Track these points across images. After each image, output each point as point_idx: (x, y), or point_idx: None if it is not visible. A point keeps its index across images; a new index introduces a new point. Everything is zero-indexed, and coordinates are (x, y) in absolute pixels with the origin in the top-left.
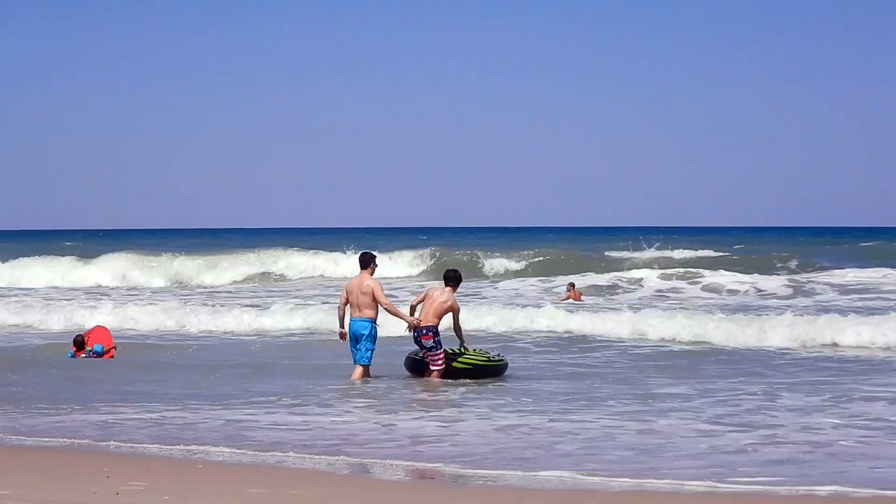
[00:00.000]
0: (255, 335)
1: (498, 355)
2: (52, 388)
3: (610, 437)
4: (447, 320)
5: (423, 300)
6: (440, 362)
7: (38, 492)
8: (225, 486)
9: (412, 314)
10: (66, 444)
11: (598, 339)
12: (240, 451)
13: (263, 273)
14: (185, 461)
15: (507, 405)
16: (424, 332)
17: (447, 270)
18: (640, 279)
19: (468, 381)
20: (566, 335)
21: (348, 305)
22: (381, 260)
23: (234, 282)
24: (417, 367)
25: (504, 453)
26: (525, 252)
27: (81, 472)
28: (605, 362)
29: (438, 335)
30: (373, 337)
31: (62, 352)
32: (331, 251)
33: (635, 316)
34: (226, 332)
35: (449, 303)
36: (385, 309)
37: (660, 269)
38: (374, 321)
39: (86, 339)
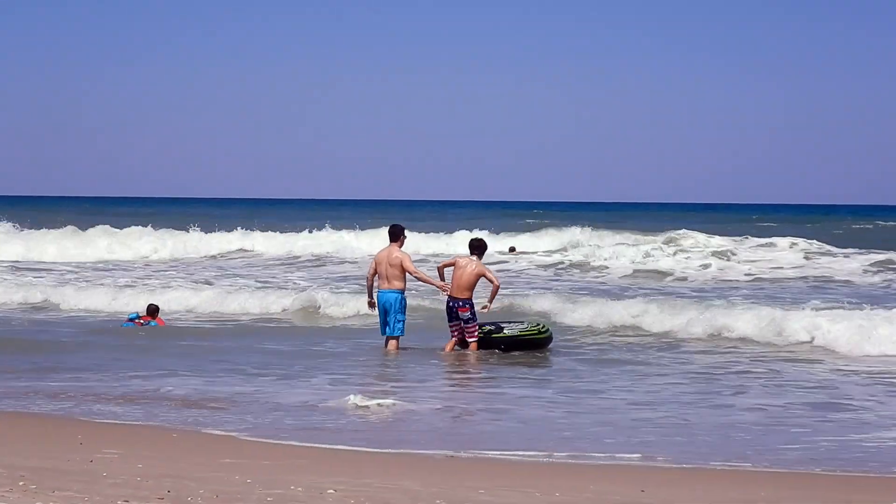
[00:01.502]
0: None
1: (543, 327)
2: (42, 357)
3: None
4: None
5: (451, 264)
6: (477, 334)
7: (11, 458)
8: (198, 455)
9: (441, 277)
10: (40, 411)
11: None
12: (212, 422)
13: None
14: (160, 430)
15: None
16: (461, 304)
17: (472, 239)
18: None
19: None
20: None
21: (377, 277)
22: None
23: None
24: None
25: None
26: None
27: (55, 439)
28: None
29: (473, 307)
30: (403, 307)
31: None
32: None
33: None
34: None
35: (478, 270)
36: (416, 277)
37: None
38: (403, 292)
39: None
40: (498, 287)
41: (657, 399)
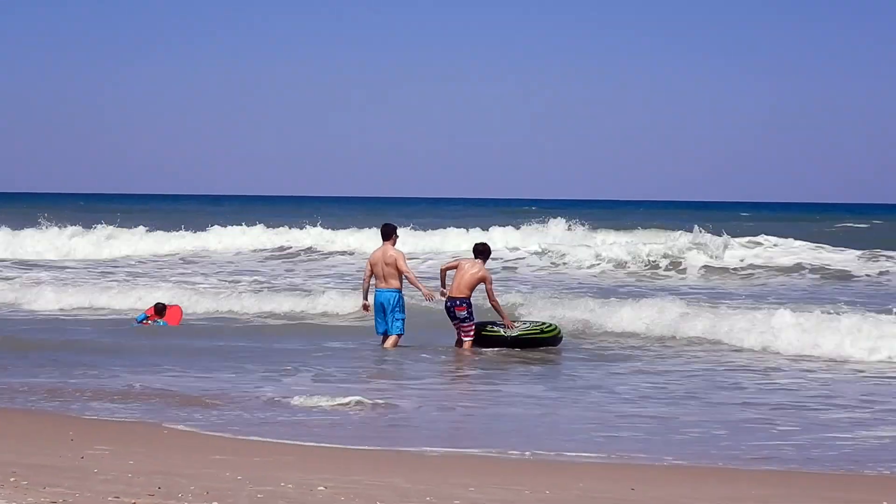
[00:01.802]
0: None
1: (548, 326)
2: (34, 354)
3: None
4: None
5: (454, 267)
6: (472, 333)
7: (3, 454)
8: (189, 451)
9: (443, 278)
10: (32, 408)
11: None
12: (203, 418)
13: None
14: (151, 427)
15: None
16: (458, 303)
17: (476, 244)
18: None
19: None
20: None
21: (373, 277)
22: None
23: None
24: None
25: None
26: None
27: (46, 435)
28: None
29: (471, 307)
30: (402, 306)
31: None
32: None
33: None
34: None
35: (480, 273)
36: (406, 278)
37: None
38: (401, 290)
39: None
40: (494, 302)
41: (646, 397)
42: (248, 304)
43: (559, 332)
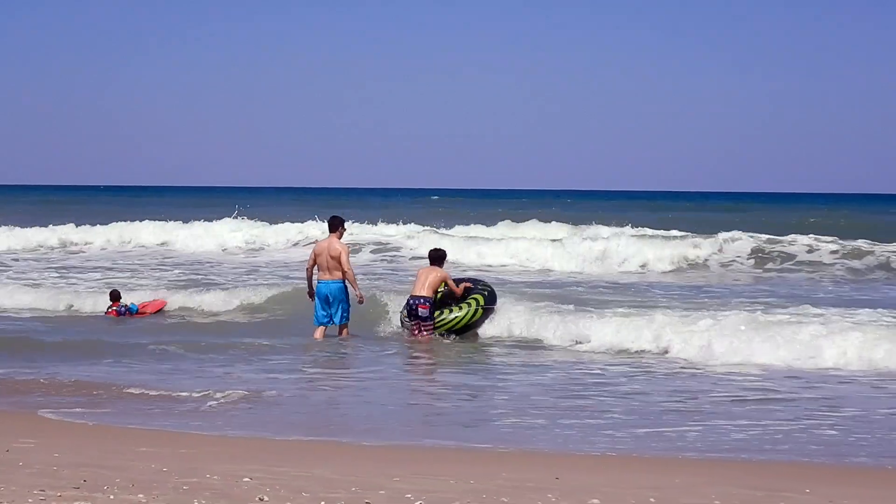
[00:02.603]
0: None
1: (475, 311)
2: None
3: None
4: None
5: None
6: (432, 331)
7: None
8: (115, 444)
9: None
10: None
11: None
12: (129, 411)
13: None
14: (74, 420)
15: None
16: (422, 301)
17: (430, 251)
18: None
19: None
20: None
21: (317, 268)
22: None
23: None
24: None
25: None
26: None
27: None
28: None
29: (434, 307)
30: (347, 296)
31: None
32: None
33: None
34: None
35: (441, 275)
36: (345, 273)
37: None
38: (344, 282)
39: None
40: (456, 291)
41: (567, 388)
42: (177, 298)
43: (487, 299)
